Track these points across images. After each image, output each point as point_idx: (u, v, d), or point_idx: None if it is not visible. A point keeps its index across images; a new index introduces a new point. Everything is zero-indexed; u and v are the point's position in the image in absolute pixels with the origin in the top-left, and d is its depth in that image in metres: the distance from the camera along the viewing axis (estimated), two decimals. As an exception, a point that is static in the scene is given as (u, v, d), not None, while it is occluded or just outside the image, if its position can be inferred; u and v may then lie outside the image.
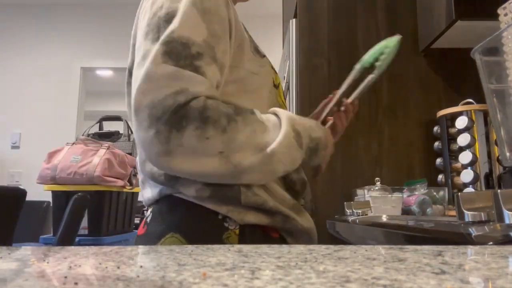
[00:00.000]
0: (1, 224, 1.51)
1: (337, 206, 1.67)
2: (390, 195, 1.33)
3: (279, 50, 3.79)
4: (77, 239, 2.01)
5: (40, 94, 3.64)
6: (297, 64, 1.81)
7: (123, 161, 2.53)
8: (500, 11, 0.81)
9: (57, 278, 0.29)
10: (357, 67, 0.90)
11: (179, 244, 0.66)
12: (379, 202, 1.29)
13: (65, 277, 0.29)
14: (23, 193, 1.59)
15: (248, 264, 0.33)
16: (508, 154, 0.73)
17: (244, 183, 0.67)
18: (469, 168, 1.45)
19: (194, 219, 0.69)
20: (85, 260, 0.37)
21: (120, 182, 2.43)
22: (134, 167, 2.60)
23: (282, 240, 0.74)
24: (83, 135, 2.71)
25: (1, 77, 3.67)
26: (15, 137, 3.56)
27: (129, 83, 0.77)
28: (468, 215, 0.64)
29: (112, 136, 2.91)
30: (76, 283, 0.27)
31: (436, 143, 1.65)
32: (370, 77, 0.87)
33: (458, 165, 1.48)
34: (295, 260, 0.35)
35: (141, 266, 0.33)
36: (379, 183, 1.44)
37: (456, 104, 1.56)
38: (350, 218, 1.25)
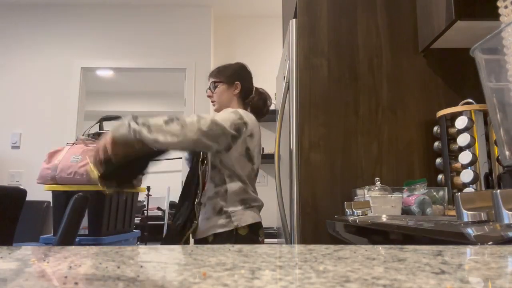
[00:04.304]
0: (2, 224, 1.51)
1: (337, 206, 1.67)
2: (390, 195, 1.33)
3: (279, 50, 3.79)
4: (77, 239, 2.01)
5: (40, 94, 3.64)
6: (297, 64, 1.81)
7: (123, 161, 2.52)
8: (499, 3, 0.80)
9: (57, 278, 0.29)
10: None
11: None
12: (379, 202, 1.29)
13: (65, 277, 0.29)
14: (23, 193, 1.59)
15: (248, 264, 0.33)
16: (507, 153, 0.73)
17: None
18: (469, 168, 1.44)
19: None
20: (85, 260, 0.37)
21: (120, 182, 2.42)
22: (134, 167, 2.59)
23: None
24: (83, 135, 2.70)
25: (1, 77, 3.67)
26: (15, 137, 3.56)
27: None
28: (468, 215, 0.64)
29: (112, 136, 2.90)
30: (76, 283, 0.27)
31: (436, 143, 1.65)
32: None
33: (458, 165, 1.48)
34: (295, 260, 0.35)
35: (141, 266, 0.33)
36: (379, 183, 1.44)
37: (456, 104, 1.56)
38: (350, 218, 1.25)
